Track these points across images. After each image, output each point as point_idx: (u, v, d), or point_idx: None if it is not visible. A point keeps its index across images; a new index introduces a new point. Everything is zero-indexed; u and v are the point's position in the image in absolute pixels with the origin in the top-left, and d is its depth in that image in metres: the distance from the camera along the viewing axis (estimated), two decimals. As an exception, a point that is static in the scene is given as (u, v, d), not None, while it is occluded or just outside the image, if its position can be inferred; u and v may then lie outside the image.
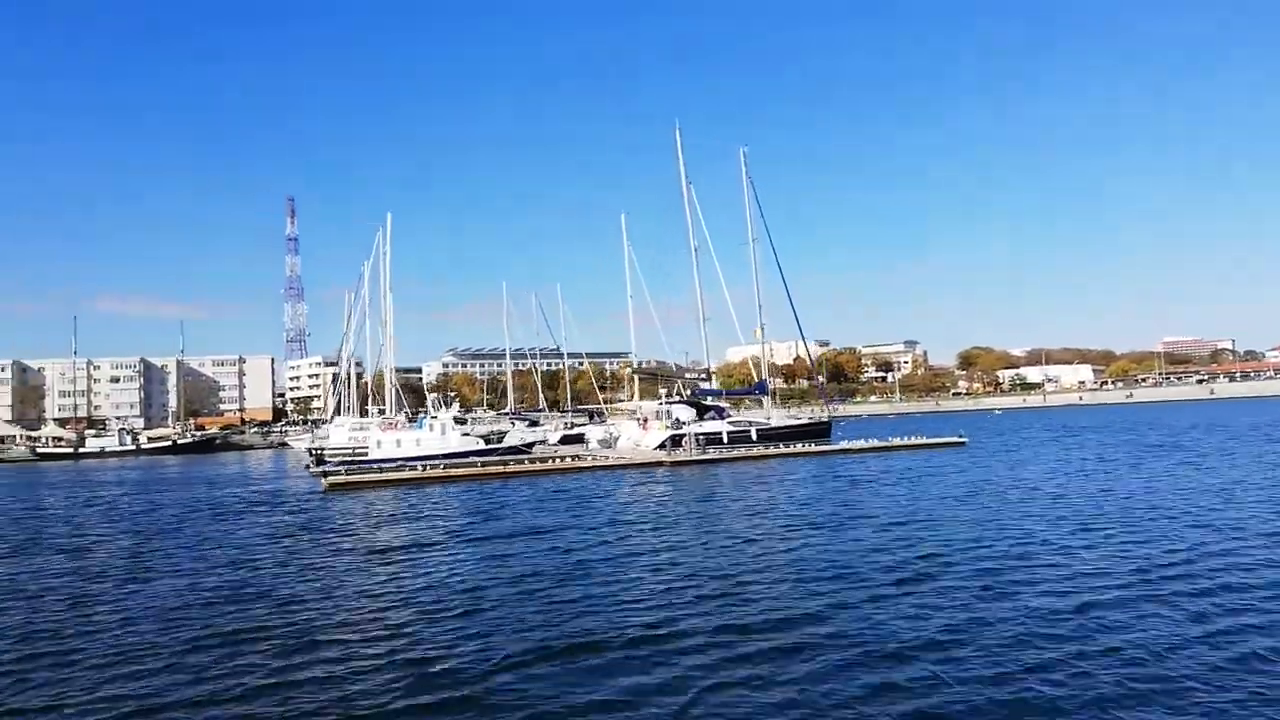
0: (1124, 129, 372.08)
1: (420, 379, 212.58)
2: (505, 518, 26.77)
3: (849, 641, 11.27)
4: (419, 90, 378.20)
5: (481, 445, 56.78)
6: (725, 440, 54.85)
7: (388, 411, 67.06)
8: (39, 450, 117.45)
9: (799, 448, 50.17)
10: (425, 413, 57.86)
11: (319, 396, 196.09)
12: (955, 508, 24.25)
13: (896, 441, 52.30)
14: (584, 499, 31.36)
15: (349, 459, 53.44)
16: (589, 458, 49.22)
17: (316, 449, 61.91)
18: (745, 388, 64.30)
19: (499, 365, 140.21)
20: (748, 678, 10.00)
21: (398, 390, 77.21)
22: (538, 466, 45.65)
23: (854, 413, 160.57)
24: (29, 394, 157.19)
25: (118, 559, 21.59)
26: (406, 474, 42.54)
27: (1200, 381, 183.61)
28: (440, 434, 54.99)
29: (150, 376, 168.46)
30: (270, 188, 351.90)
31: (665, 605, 13.81)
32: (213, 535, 25.60)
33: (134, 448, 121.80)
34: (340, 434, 62.49)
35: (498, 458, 50.77)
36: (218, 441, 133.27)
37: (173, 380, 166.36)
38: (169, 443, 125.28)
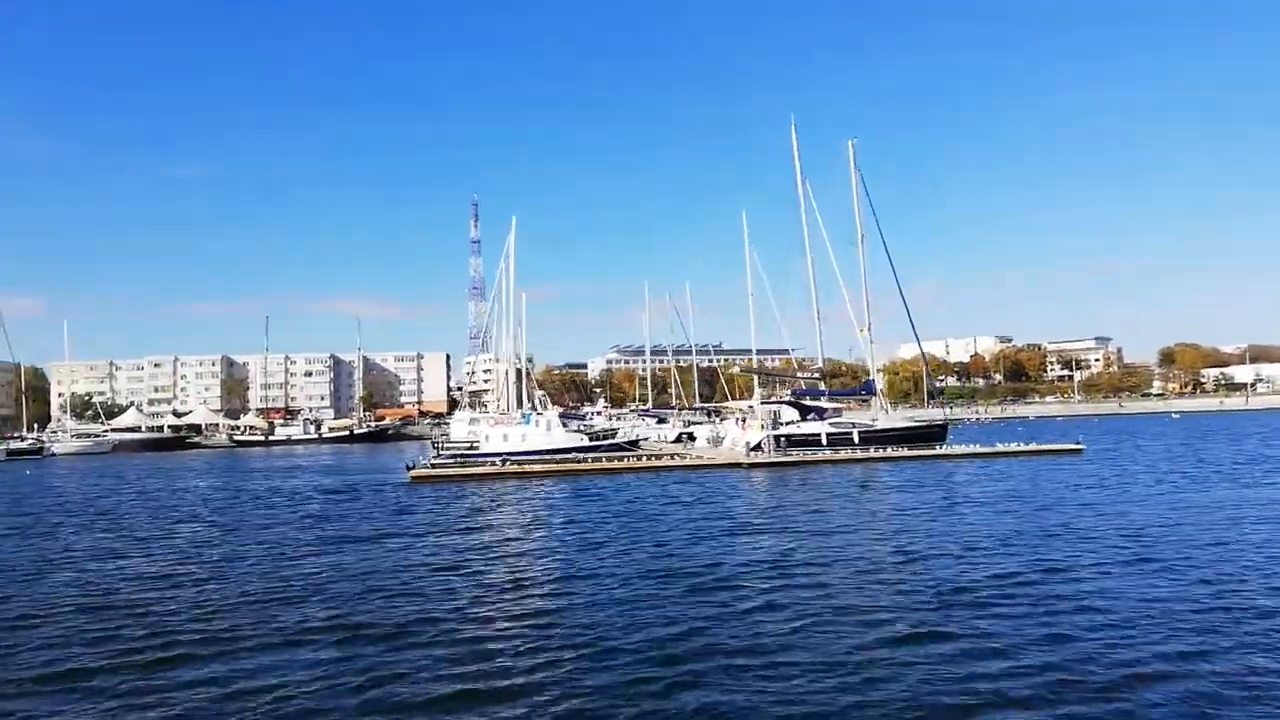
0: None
1: (586, 374, 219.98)
2: (491, 512, 28.24)
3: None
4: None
5: (585, 442, 58.58)
6: (824, 442, 53.68)
7: (504, 407, 70.20)
8: (236, 437, 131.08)
9: (889, 451, 48.47)
10: (533, 409, 60.39)
11: (492, 390, 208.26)
12: (903, 520, 23.30)
13: (1001, 447, 49.44)
14: (601, 499, 32.16)
15: (461, 452, 56.65)
16: (668, 456, 49.83)
17: (438, 441, 66.03)
18: (852, 388, 62.27)
19: (662, 361, 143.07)
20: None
21: (518, 385, 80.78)
22: (614, 465, 46.69)
23: (1020, 414, 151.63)
24: (235, 386, 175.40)
25: (99, 537, 24.53)
26: (486, 468, 44.73)
27: None
28: (545, 430, 57.31)
29: (339, 371, 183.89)
30: (462, 188, 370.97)
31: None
32: (234, 521, 28.49)
33: (316, 436, 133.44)
34: (460, 428, 66.13)
35: (596, 454, 52.51)
36: (390, 432, 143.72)
37: (358, 374, 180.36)
38: (347, 432, 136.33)
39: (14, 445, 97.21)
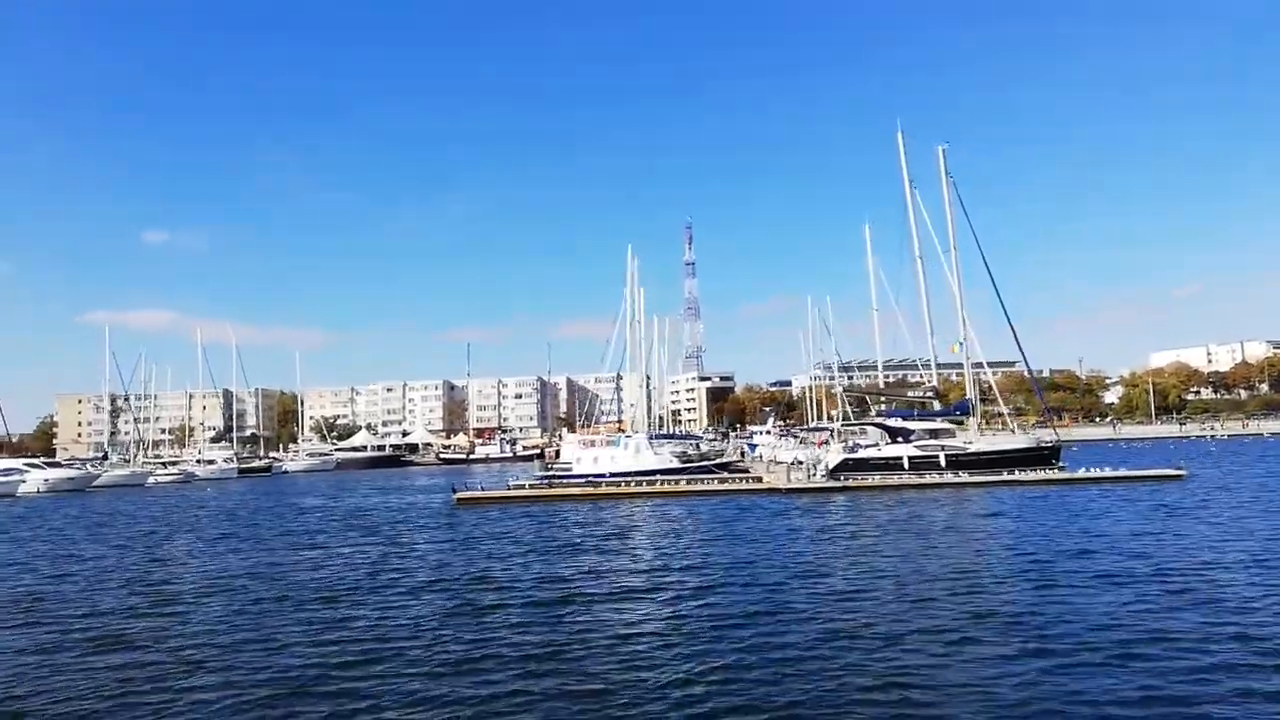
0: None
1: (790, 392, 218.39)
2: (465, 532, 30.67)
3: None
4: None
5: (674, 464, 60.05)
6: (906, 466, 51.69)
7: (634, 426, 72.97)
8: (442, 456, 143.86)
9: (947, 477, 46.05)
10: (624, 433, 62.68)
11: (694, 409, 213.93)
12: (793, 553, 22.78)
13: (1083, 473, 45.37)
14: (570, 525, 33.76)
15: (554, 473, 60.10)
16: (717, 480, 50.47)
17: (549, 462, 69.94)
18: (945, 408, 58.16)
19: (870, 377, 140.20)
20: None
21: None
22: (656, 489, 47.81)
23: (1265, 429, 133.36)
24: (455, 408, 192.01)
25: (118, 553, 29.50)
26: (529, 491, 47.60)
27: None
28: (633, 452, 59.43)
29: (545, 393, 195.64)
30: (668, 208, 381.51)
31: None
32: (252, 534, 33.01)
33: (510, 454, 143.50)
34: (568, 450, 69.45)
35: (674, 477, 53.98)
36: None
37: (563, 396, 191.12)
38: (538, 450, 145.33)
39: (246, 465, 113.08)
